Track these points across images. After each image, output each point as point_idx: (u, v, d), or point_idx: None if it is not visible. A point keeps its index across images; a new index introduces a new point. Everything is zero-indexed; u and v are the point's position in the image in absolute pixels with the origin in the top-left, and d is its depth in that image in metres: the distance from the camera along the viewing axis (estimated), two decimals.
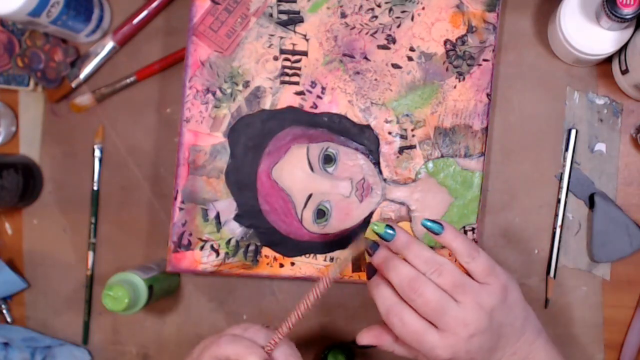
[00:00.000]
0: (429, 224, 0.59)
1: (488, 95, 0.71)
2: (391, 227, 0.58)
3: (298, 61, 0.71)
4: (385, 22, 0.71)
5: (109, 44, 0.78)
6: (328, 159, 0.71)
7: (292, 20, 0.71)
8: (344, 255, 0.60)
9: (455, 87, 0.71)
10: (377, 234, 0.59)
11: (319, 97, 0.71)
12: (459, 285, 0.56)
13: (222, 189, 0.71)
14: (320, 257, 0.71)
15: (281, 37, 0.71)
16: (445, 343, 0.56)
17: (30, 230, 0.80)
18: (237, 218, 0.71)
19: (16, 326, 0.80)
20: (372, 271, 0.60)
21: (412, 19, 0.71)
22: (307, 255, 0.72)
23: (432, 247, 0.69)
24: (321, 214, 0.71)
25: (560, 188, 0.74)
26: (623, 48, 0.69)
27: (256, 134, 0.71)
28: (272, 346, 0.58)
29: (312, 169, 0.71)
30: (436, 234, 0.58)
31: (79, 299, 0.79)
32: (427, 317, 0.56)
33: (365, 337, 0.62)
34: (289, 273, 0.72)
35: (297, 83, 0.71)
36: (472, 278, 0.57)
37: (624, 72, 0.70)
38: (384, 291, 0.58)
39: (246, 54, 0.71)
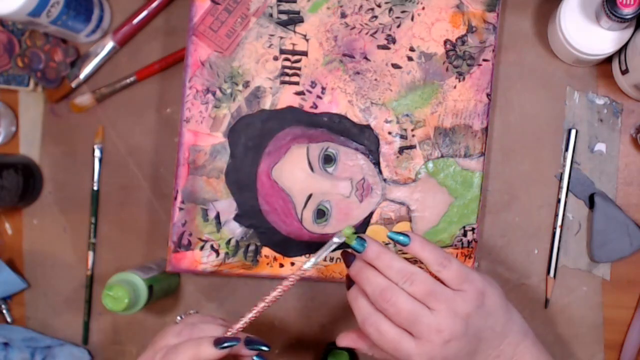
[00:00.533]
0: (395, 236, 0.59)
1: (488, 95, 0.71)
2: (362, 239, 0.58)
3: (298, 61, 0.71)
4: (385, 22, 0.71)
5: (109, 44, 0.78)
6: (328, 159, 0.71)
7: (292, 20, 0.71)
8: (317, 255, 0.60)
9: (455, 87, 0.71)
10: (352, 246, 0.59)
11: (319, 97, 0.71)
12: (431, 293, 0.56)
13: (222, 189, 0.71)
14: None
15: (281, 37, 0.71)
16: (421, 350, 0.56)
17: (30, 230, 0.80)
18: (237, 218, 0.71)
19: (16, 326, 0.80)
20: (351, 282, 0.60)
21: (412, 19, 0.71)
22: (307, 255, 0.72)
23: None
24: (321, 214, 0.71)
25: (560, 188, 0.74)
26: (623, 48, 0.69)
27: (256, 134, 0.71)
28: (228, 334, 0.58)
29: (312, 169, 0.71)
30: (403, 245, 0.58)
31: (79, 299, 0.79)
32: (402, 325, 0.56)
33: (344, 340, 0.63)
34: (289, 273, 0.71)
35: (297, 83, 0.71)
36: (447, 286, 0.57)
37: (624, 72, 0.70)
38: (360, 302, 0.58)
39: (246, 54, 0.71)
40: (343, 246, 0.59)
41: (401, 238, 0.59)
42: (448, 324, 0.56)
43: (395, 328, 0.56)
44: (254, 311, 0.59)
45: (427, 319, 0.56)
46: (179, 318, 0.62)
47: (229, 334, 0.59)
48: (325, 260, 0.71)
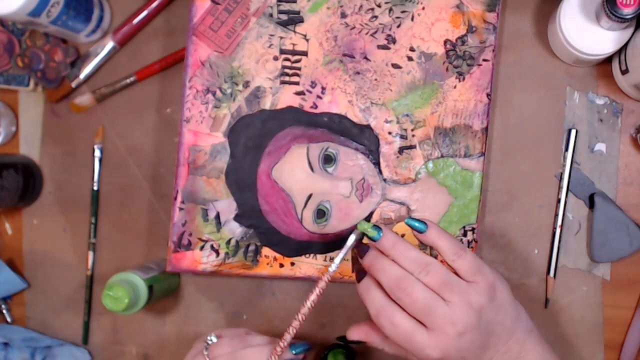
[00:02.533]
0: (412, 222, 0.59)
1: (488, 95, 0.71)
2: (378, 228, 0.58)
3: (298, 61, 0.71)
4: (385, 22, 0.71)
5: (109, 44, 0.78)
6: (328, 159, 0.71)
7: (292, 20, 0.71)
8: (339, 256, 0.61)
9: (455, 87, 0.71)
10: (363, 233, 0.59)
11: (319, 97, 0.71)
12: (446, 284, 0.56)
13: (222, 189, 0.71)
14: (320, 257, 0.71)
15: (281, 37, 0.71)
16: (435, 342, 0.56)
17: (30, 230, 0.80)
18: (237, 218, 0.71)
19: (16, 326, 0.80)
20: (361, 274, 0.60)
21: (412, 19, 0.71)
22: (307, 255, 0.72)
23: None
24: (321, 214, 0.71)
25: (560, 188, 0.74)
26: (623, 48, 0.69)
27: (256, 134, 0.71)
28: (277, 357, 0.59)
29: (312, 169, 0.71)
30: (420, 232, 0.58)
31: (79, 299, 0.79)
32: (416, 316, 0.56)
33: (355, 333, 0.62)
34: (289, 273, 0.72)
35: (297, 83, 0.71)
36: (460, 277, 0.58)
37: (624, 72, 0.70)
38: (374, 293, 0.58)
39: (246, 54, 0.71)
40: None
41: (418, 225, 0.59)
42: (462, 315, 0.56)
43: (409, 319, 0.56)
44: (293, 326, 0.60)
45: (441, 310, 0.55)
46: (206, 353, 0.61)
47: (278, 352, 0.59)
48: (325, 260, 0.72)
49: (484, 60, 0.71)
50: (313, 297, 0.60)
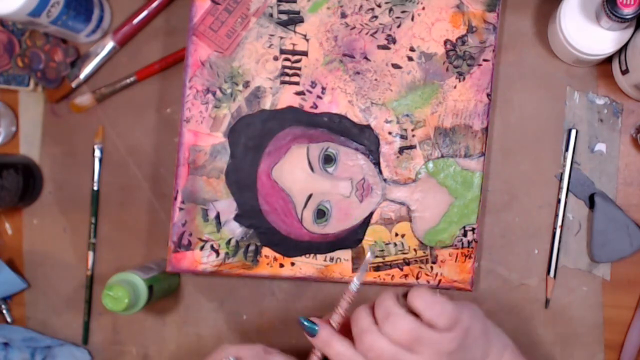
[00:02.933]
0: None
1: (488, 95, 0.71)
2: (313, 324, 0.58)
3: (298, 61, 0.71)
4: (385, 22, 0.71)
5: (109, 44, 0.78)
6: (328, 159, 0.71)
7: (292, 20, 0.71)
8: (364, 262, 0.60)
9: (455, 87, 0.71)
10: (305, 329, 0.58)
11: (319, 97, 0.71)
12: (417, 339, 0.54)
13: (222, 189, 0.71)
14: (320, 257, 0.71)
15: (281, 37, 0.71)
16: None
17: (30, 230, 0.80)
18: (237, 218, 0.71)
19: (16, 326, 0.80)
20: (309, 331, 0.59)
21: (412, 19, 0.71)
22: (307, 255, 0.72)
23: (432, 247, 0.70)
24: (321, 214, 0.71)
25: (560, 188, 0.74)
26: (623, 48, 0.69)
27: (256, 134, 0.71)
28: None
29: (312, 169, 0.71)
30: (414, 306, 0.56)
31: (79, 299, 0.79)
32: None
33: None
34: (289, 273, 0.72)
35: (297, 83, 0.71)
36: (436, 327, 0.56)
37: (624, 72, 0.70)
38: (340, 346, 0.57)
39: (246, 54, 0.71)
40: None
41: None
42: None
43: None
44: (317, 356, 0.59)
45: None
46: None
47: None
48: (325, 260, 0.72)
49: (484, 60, 0.71)
50: (336, 317, 0.58)
